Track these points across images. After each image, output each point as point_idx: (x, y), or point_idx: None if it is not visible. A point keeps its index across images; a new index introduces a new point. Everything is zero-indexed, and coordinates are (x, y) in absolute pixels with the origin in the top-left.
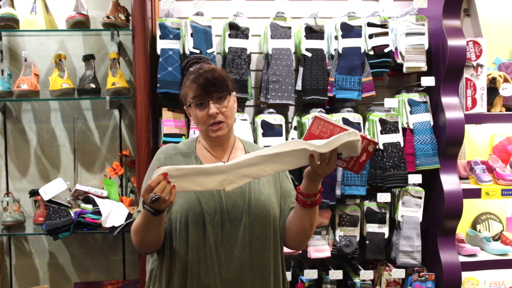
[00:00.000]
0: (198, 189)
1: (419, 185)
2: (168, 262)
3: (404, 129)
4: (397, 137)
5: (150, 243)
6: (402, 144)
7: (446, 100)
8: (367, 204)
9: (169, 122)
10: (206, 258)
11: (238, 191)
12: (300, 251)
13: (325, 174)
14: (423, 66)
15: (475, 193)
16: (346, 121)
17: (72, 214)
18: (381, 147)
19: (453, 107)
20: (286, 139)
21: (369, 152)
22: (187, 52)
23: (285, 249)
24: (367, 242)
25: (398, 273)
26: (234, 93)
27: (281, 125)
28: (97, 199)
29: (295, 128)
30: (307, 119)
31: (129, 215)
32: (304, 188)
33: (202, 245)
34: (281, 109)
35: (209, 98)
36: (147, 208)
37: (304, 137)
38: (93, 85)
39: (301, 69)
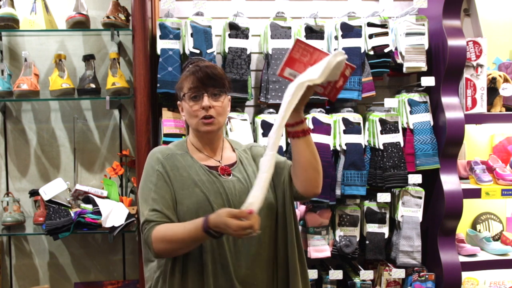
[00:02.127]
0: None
1: (419, 185)
2: (180, 266)
3: (404, 129)
4: (397, 137)
5: (182, 253)
6: (402, 144)
7: (446, 100)
8: (367, 204)
9: (169, 122)
10: (220, 257)
11: (240, 187)
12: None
13: (306, 100)
14: (423, 66)
15: (475, 193)
16: (346, 121)
17: (72, 214)
18: (381, 147)
19: (453, 107)
20: (286, 139)
21: (346, 77)
22: (187, 52)
23: None
24: (367, 242)
25: (398, 273)
26: (229, 96)
27: None
28: (97, 199)
29: None
30: (307, 119)
31: (129, 215)
32: (289, 119)
33: (216, 245)
34: None
35: (205, 91)
36: (213, 234)
37: (285, 61)
38: (93, 85)
39: None
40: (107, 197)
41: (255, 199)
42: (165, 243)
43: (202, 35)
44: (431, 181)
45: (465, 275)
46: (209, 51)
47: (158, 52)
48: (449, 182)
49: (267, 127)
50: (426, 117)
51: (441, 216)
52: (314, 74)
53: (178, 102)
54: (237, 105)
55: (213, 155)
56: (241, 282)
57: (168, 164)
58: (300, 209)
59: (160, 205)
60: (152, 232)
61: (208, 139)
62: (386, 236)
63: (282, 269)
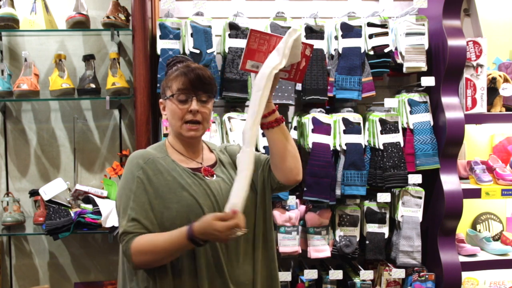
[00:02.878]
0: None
1: (419, 185)
2: (172, 272)
3: (404, 129)
4: (397, 137)
5: (163, 264)
6: (402, 144)
7: (446, 100)
8: (367, 204)
9: None
10: (214, 260)
11: (225, 187)
12: (300, 251)
13: (274, 88)
14: (423, 66)
15: (475, 193)
16: (346, 121)
17: (72, 214)
18: (381, 147)
19: (453, 107)
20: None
21: (308, 57)
22: (187, 52)
23: (285, 249)
24: (367, 242)
25: (398, 273)
26: (213, 100)
27: None
28: (97, 199)
29: (295, 128)
30: (307, 119)
31: None
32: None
33: (210, 248)
34: (281, 109)
35: (194, 94)
36: (197, 241)
37: (244, 54)
38: (93, 85)
39: None
40: (107, 197)
41: (238, 199)
42: (146, 255)
43: (202, 35)
44: (431, 181)
45: (465, 275)
46: (209, 51)
47: (158, 52)
48: (449, 182)
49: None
50: (426, 117)
51: (441, 216)
52: (275, 59)
53: (161, 100)
54: (237, 105)
55: (194, 157)
56: (235, 282)
57: (150, 169)
58: (300, 209)
59: (139, 215)
60: (131, 244)
61: (189, 143)
62: (386, 236)
63: (261, 262)
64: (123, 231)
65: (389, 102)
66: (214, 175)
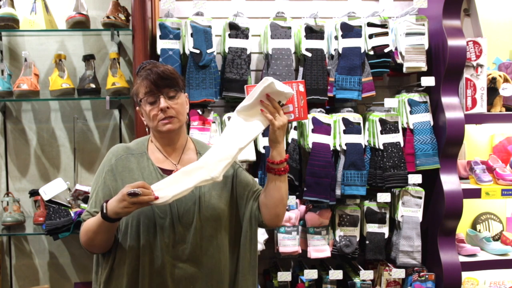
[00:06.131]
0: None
1: (419, 185)
2: (117, 265)
3: (404, 129)
4: (397, 137)
5: (98, 245)
6: (402, 144)
7: (446, 100)
8: (367, 204)
9: None
10: (157, 260)
11: (189, 195)
12: (300, 251)
13: (283, 128)
14: (423, 66)
15: (475, 193)
16: (346, 121)
17: (72, 214)
18: (381, 147)
19: (453, 107)
20: (286, 139)
21: (303, 93)
22: (187, 52)
23: (285, 249)
24: (367, 242)
25: (398, 273)
26: (186, 94)
27: None
28: None
29: (295, 128)
30: (307, 119)
31: None
32: (274, 156)
33: (154, 247)
34: None
35: (160, 93)
36: (105, 215)
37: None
38: (93, 85)
39: (301, 69)
40: None
41: (170, 192)
42: (82, 234)
43: (202, 35)
44: (431, 181)
45: (465, 275)
46: (209, 51)
47: (158, 52)
48: (449, 182)
49: (267, 127)
50: (426, 117)
51: (441, 216)
52: (245, 102)
53: (137, 108)
54: (237, 105)
55: (173, 155)
56: (177, 284)
57: (120, 165)
58: (300, 209)
59: (97, 207)
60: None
61: (169, 139)
62: (386, 236)
63: (227, 280)
64: (81, 220)
65: (389, 102)
66: None
